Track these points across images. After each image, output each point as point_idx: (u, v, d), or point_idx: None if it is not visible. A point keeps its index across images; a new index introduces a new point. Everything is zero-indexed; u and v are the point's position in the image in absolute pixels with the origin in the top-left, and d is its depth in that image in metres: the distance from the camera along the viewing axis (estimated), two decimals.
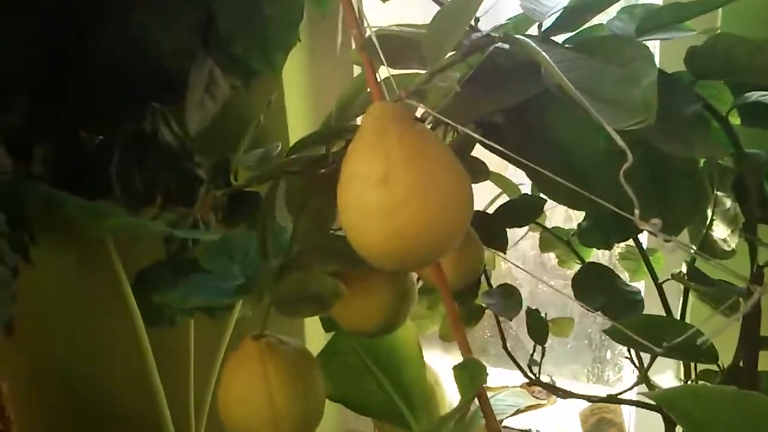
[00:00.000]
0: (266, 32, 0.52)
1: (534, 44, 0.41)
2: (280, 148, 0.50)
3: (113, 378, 1.17)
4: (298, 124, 0.97)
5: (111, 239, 0.73)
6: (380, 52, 0.40)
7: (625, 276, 0.75)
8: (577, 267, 0.68)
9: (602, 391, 1.05)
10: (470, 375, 0.45)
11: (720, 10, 0.78)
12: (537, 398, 0.89)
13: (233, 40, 0.52)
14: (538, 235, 0.74)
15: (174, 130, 0.67)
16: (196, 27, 0.56)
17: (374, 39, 0.40)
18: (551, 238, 0.70)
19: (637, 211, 0.36)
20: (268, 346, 0.49)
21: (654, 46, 0.91)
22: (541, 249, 0.73)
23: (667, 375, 0.71)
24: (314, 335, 1.09)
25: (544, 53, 0.40)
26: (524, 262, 1.18)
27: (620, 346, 0.99)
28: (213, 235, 0.68)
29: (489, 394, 0.81)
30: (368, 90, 0.50)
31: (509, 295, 0.57)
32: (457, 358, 0.47)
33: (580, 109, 0.36)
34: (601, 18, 0.55)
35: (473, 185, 0.65)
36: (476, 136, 0.38)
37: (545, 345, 0.65)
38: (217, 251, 0.73)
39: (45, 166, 0.62)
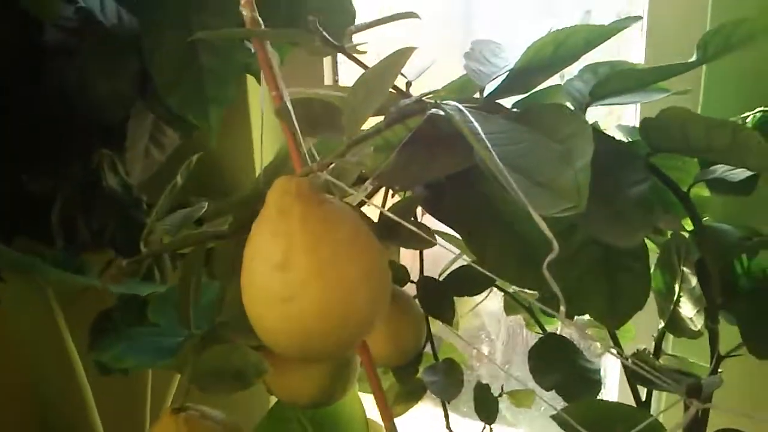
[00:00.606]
0: (203, 86, 0.49)
1: (467, 113, 0.38)
2: (205, 209, 0.48)
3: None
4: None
5: (50, 288, 0.71)
6: (294, 119, 0.37)
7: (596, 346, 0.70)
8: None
9: None
10: None
11: (704, 67, 0.74)
12: None
13: (167, 93, 0.50)
14: None
15: (122, 176, 0.65)
16: (133, 76, 0.54)
17: (289, 105, 0.37)
18: (515, 303, 0.66)
19: (562, 308, 0.32)
20: (187, 423, 0.46)
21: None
22: (506, 312, 0.69)
23: None
24: None
25: (475, 124, 0.37)
26: None
27: None
28: (156, 289, 0.65)
29: None
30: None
31: (451, 372, 0.53)
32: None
33: None
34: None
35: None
36: (395, 218, 0.35)
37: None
38: (166, 304, 0.69)
39: None
